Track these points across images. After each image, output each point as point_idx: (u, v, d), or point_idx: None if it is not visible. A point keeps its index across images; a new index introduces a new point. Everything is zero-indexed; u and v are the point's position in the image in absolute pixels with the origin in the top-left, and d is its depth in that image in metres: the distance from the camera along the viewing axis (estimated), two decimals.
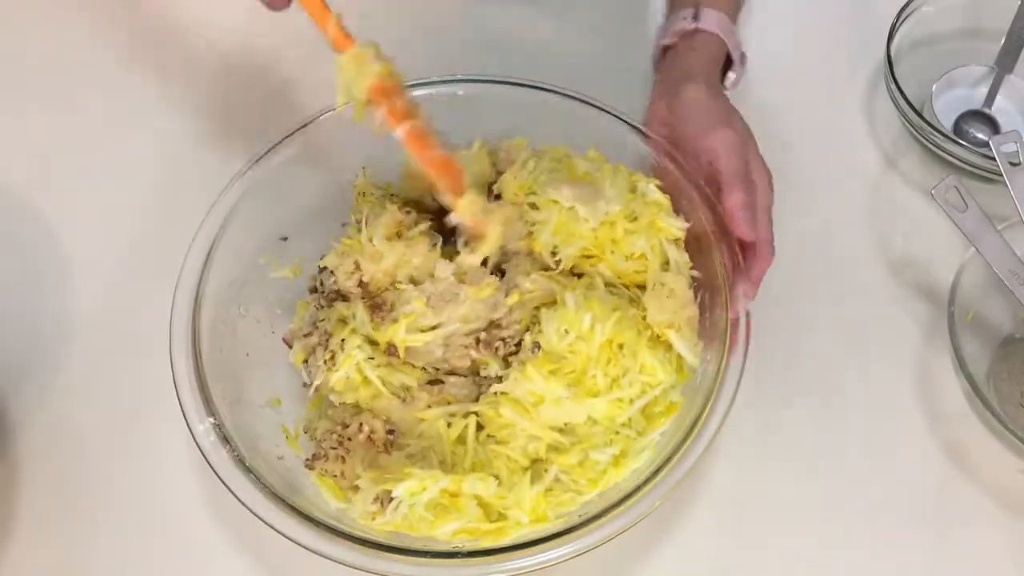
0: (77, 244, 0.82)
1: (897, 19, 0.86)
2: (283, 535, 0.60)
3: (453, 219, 0.68)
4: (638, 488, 0.61)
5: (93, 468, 0.72)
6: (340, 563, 0.59)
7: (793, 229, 0.83)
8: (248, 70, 0.91)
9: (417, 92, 0.73)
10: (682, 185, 0.70)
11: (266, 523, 0.60)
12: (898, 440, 0.74)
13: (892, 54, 0.84)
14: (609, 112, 0.74)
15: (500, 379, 0.68)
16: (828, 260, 0.82)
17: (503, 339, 0.69)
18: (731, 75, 0.81)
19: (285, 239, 0.74)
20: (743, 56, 0.81)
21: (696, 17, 0.77)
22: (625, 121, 0.73)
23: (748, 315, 0.66)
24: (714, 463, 0.72)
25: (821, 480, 0.72)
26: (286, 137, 0.73)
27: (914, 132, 0.84)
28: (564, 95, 0.74)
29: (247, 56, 0.91)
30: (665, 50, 0.80)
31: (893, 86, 0.83)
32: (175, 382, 0.64)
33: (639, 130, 0.73)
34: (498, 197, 0.73)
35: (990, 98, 0.89)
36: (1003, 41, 0.87)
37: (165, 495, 0.71)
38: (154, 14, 0.94)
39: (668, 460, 0.62)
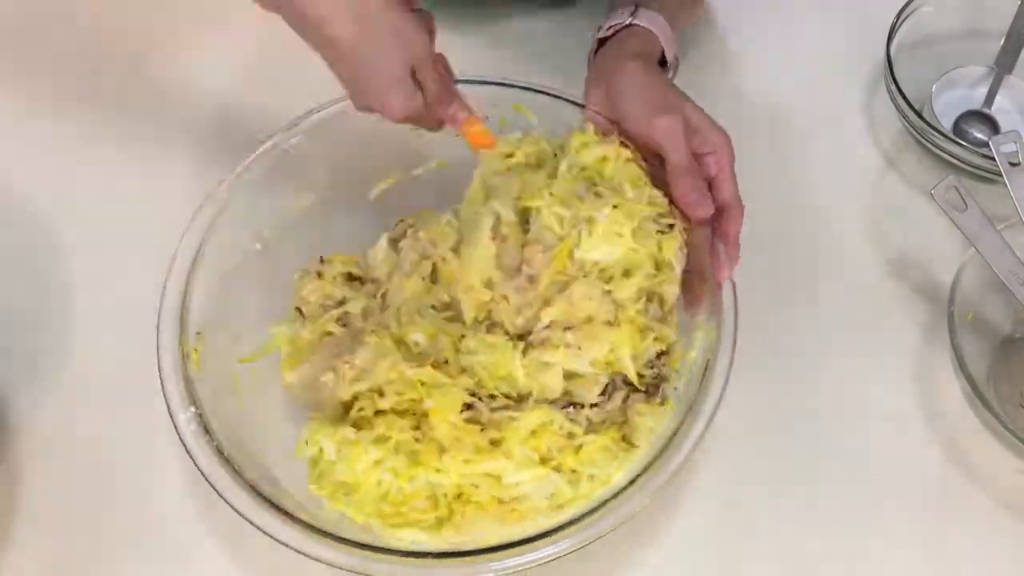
0: (77, 243, 0.82)
1: (897, 19, 0.86)
2: (259, 528, 0.59)
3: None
4: (627, 487, 0.61)
5: (93, 468, 0.72)
6: (317, 560, 0.59)
7: (792, 229, 0.83)
8: (250, 68, 0.91)
9: None
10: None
11: (240, 514, 0.60)
12: (898, 440, 0.74)
13: (892, 54, 0.84)
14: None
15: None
16: (828, 260, 0.82)
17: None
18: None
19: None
20: (676, 60, 0.81)
21: (633, 14, 0.78)
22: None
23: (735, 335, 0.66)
24: (710, 463, 0.72)
25: (820, 480, 0.72)
26: (279, 132, 0.73)
27: (914, 132, 0.84)
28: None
29: (249, 55, 0.91)
30: (600, 45, 0.80)
31: (893, 86, 0.83)
32: (160, 370, 0.64)
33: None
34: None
35: (990, 98, 0.89)
36: (1003, 41, 0.87)
37: (165, 495, 0.71)
38: (156, 14, 0.94)
39: (655, 460, 0.61)
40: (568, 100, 0.75)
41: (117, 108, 0.89)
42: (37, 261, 0.81)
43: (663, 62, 0.79)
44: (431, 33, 0.65)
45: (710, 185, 0.69)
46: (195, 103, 0.89)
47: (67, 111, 0.89)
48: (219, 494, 0.60)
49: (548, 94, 0.75)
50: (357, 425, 0.67)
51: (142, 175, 0.85)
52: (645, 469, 0.61)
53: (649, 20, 0.78)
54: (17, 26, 0.94)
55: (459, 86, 0.68)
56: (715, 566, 0.70)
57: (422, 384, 0.66)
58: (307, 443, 0.66)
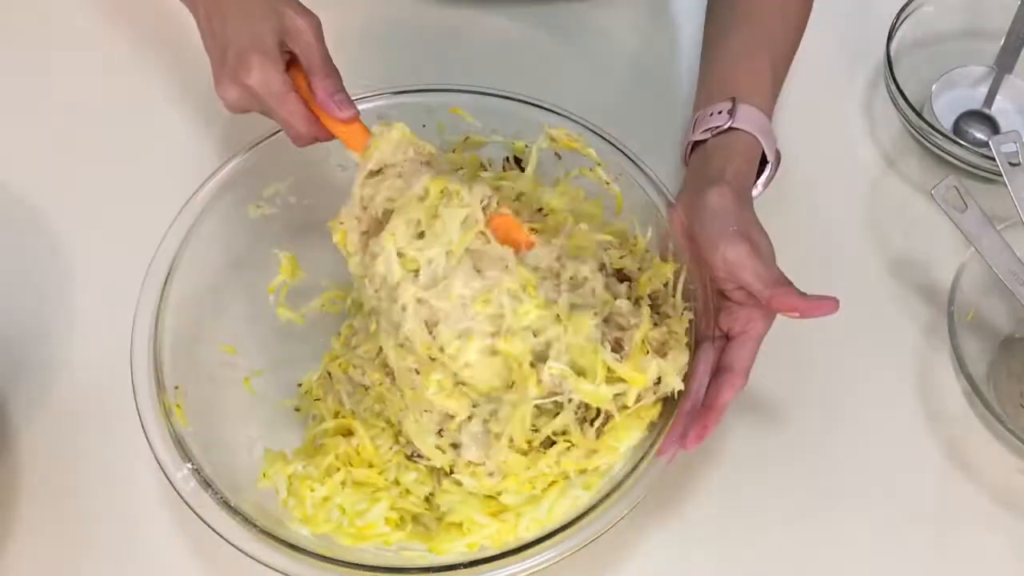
0: (77, 244, 0.82)
1: (897, 19, 0.86)
2: (272, 568, 0.60)
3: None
4: (621, 482, 0.61)
5: (93, 468, 0.72)
6: None
7: (792, 229, 0.83)
8: None
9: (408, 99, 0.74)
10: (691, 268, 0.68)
11: (256, 560, 0.60)
12: (898, 440, 0.74)
13: (892, 54, 0.84)
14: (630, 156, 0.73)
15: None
16: (828, 260, 0.82)
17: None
18: (763, 176, 0.75)
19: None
20: (778, 154, 0.75)
21: (732, 113, 0.71)
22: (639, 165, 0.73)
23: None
24: (708, 462, 0.72)
25: (820, 480, 0.72)
26: (262, 140, 0.73)
27: (914, 132, 0.84)
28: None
29: None
30: (695, 145, 0.74)
31: (893, 86, 0.83)
32: (145, 430, 0.63)
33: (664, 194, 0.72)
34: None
35: (990, 98, 0.89)
36: (1003, 41, 0.87)
37: (167, 493, 0.71)
38: (157, 13, 0.94)
39: (642, 459, 0.61)
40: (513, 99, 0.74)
41: (120, 108, 0.89)
42: (37, 262, 0.81)
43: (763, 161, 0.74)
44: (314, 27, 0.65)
45: (727, 337, 0.66)
46: (197, 102, 0.89)
47: (69, 107, 0.89)
48: (230, 542, 0.60)
49: (494, 95, 0.73)
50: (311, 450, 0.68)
51: (150, 170, 0.85)
52: (641, 460, 0.61)
53: (749, 120, 0.72)
54: (15, 25, 0.94)
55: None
56: (713, 565, 0.70)
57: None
58: (264, 476, 0.66)
